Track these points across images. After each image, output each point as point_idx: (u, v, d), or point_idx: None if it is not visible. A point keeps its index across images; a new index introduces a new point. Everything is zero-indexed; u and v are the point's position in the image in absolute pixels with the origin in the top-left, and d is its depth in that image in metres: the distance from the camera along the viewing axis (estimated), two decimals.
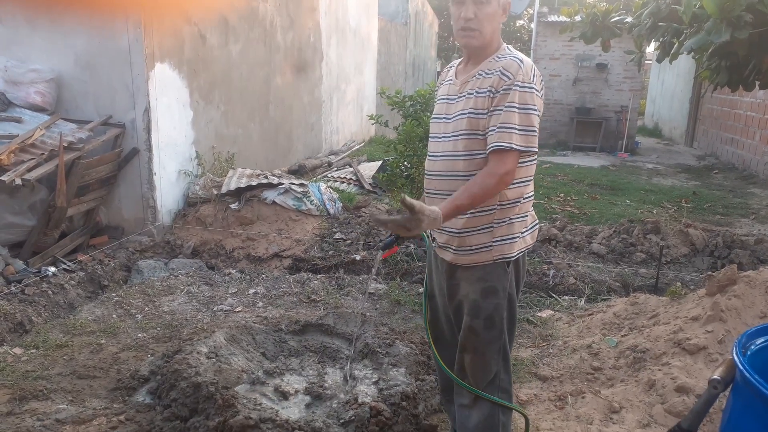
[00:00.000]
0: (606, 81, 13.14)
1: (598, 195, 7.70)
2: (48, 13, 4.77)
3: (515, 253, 2.08)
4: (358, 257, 4.86)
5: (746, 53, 3.37)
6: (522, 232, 2.10)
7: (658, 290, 4.25)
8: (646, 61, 15.76)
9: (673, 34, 4.21)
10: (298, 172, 7.44)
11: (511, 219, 2.06)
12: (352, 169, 7.90)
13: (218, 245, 5.12)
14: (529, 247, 2.18)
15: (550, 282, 4.43)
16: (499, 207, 2.02)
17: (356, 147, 10.22)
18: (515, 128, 1.89)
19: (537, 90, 1.96)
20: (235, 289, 4.31)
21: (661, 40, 4.44)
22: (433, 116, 2.22)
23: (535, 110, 1.94)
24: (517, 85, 1.91)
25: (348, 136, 10.56)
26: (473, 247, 2.06)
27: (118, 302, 4.05)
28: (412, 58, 16.21)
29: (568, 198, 7.35)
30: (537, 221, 2.23)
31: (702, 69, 4.20)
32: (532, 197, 2.16)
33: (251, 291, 4.28)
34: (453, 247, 2.10)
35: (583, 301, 4.12)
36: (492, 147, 1.91)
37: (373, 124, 6.75)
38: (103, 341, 3.46)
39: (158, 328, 3.69)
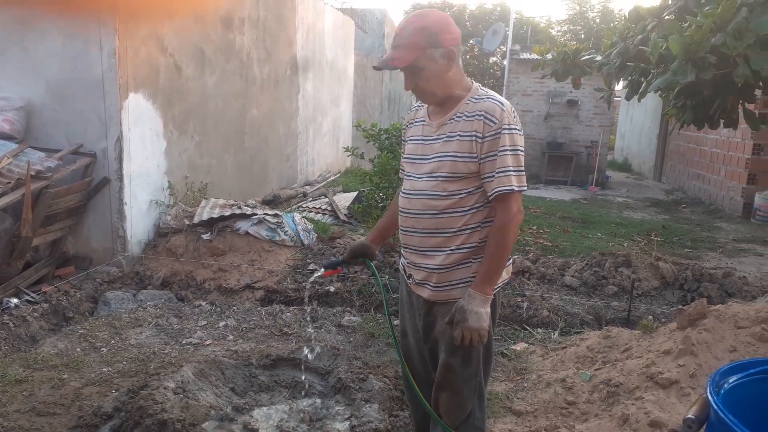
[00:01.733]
0: (577, 117, 13.46)
1: (570, 228, 7.80)
2: (20, 42, 4.72)
3: (496, 288, 2.08)
4: (332, 289, 4.81)
5: (711, 93, 3.48)
6: None
7: (630, 323, 4.28)
8: (615, 98, 16.22)
9: (640, 73, 4.34)
10: (272, 202, 7.39)
11: None
12: (327, 199, 7.88)
13: (189, 276, 5.02)
14: (505, 281, 2.19)
15: (524, 314, 4.44)
16: (478, 243, 2.04)
17: (332, 178, 10.23)
18: (511, 170, 1.95)
19: (518, 130, 2.00)
20: (205, 322, 4.22)
21: (629, 78, 4.57)
22: (406, 156, 2.22)
23: (523, 150, 2.00)
24: (505, 129, 1.94)
25: (324, 167, 10.58)
26: (452, 283, 2.07)
27: (83, 335, 3.93)
28: (388, 92, 16.43)
29: (541, 231, 7.43)
30: (511, 256, 2.24)
31: (669, 107, 4.33)
32: None
33: (221, 323, 4.19)
34: (431, 284, 2.10)
35: (556, 334, 4.12)
36: (495, 192, 1.96)
37: (348, 156, 6.78)
38: (65, 376, 3.33)
39: (124, 362, 3.57)
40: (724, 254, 6.75)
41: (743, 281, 5.03)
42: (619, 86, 10.95)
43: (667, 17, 4.27)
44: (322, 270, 2.45)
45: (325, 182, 9.63)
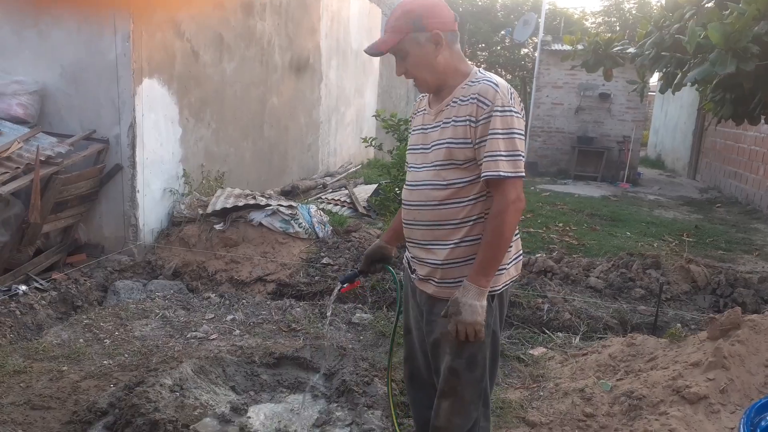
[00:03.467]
0: (609, 111, 13.04)
1: (597, 226, 7.52)
2: (36, 26, 4.66)
3: (500, 287, 1.97)
4: (337, 290, 4.65)
5: (752, 86, 3.22)
6: (507, 264, 1.98)
7: (657, 329, 4.04)
8: (650, 93, 15.70)
9: (676, 64, 4.08)
10: (291, 193, 7.27)
11: None
12: (347, 191, 7.74)
13: (200, 267, 4.94)
14: (514, 279, 2.07)
15: (545, 317, 4.23)
16: (482, 235, 1.91)
17: (353, 169, 10.08)
18: (502, 155, 1.82)
19: (517, 112, 1.86)
20: (212, 315, 4.11)
21: (664, 70, 4.31)
22: (409, 147, 2.13)
23: (519, 133, 1.86)
24: (497, 111, 1.83)
25: (346, 157, 10.44)
26: (457, 279, 1.94)
27: (88, 325, 3.85)
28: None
29: (567, 228, 7.16)
30: (521, 252, 2.11)
31: (706, 101, 4.07)
32: (517, 231, 2.03)
33: (229, 317, 4.08)
34: (435, 280, 1.99)
35: (578, 339, 3.91)
36: (484, 177, 1.85)
37: (366, 147, 6.61)
38: (65, 368, 3.25)
39: (126, 355, 3.49)
40: (761, 257, 6.40)
41: None
42: (654, 79, 10.55)
43: (706, 5, 4.01)
44: (340, 286, 2.34)
45: (346, 173, 9.48)
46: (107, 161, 4.72)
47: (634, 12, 21.83)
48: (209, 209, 5.14)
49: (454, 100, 1.92)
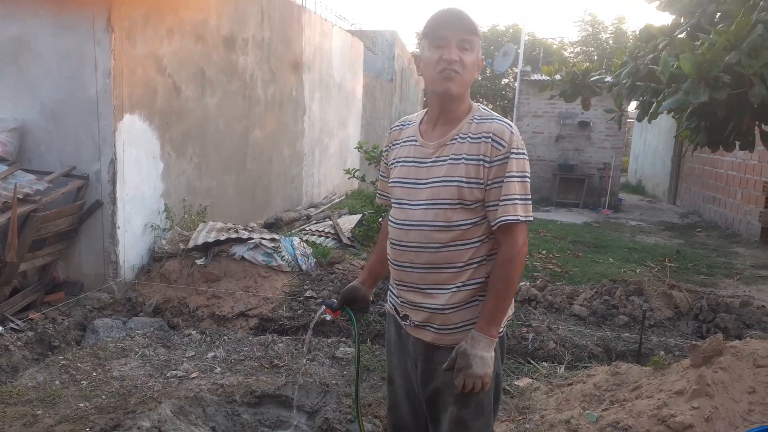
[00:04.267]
0: (588, 138, 13.25)
1: (580, 252, 7.56)
2: (15, 62, 4.66)
3: (502, 328, 1.88)
4: (328, 317, 4.59)
5: (725, 114, 3.29)
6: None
7: (641, 356, 4.04)
8: (629, 119, 15.99)
9: (652, 93, 4.17)
10: (274, 225, 7.25)
11: None
12: (331, 222, 7.73)
13: (182, 303, 4.87)
14: (509, 316, 1.97)
15: (530, 347, 4.21)
16: (485, 278, 1.84)
17: (337, 200, 10.09)
18: (518, 199, 1.79)
19: (526, 155, 1.85)
20: (193, 353, 4.04)
21: (640, 99, 4.40)
22: (395, 180, 1.96)
23: (530, 177, 1.86)
24: (513, 153, 1.79)
25: (330, 188, 10.45)
26: (457, 325, 1.85)
27: (65, 366, 3.76)
28: (398, 113, 16.36)
29: (551, 255, 7.19)
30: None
31: (682, 129, 4.14)
32: None
33: (210, 354, 4.01)
34: (434, 326, 1.87)
35: (563, 368, 3.89)
36: (499, 222, 1.79)
37: (349, 178, 6.63)
38: (39, 412, 3.16)
39: (104, 397, 3.39)
40: (742, 281, 6.46)
41: (762, 311, 4.77)
42: (631, 107, 10.76)
43: (678, 35, 4.11)
44: (323, 308, 2.23)
45: (330, 204, 9.49)
46: (87, 197, 4.67)
47: (611, 42, 22.37)
48: (191, 244, 5.09)
49: (462, 135, 1.84)
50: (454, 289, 1.84)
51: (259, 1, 6.92)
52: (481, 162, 1.78)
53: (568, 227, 9.81)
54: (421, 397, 1.98)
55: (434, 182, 1.83)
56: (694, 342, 3.16)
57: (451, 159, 1.81)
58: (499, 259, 1.80)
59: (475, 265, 1.84)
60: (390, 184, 2.00)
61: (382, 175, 2.12)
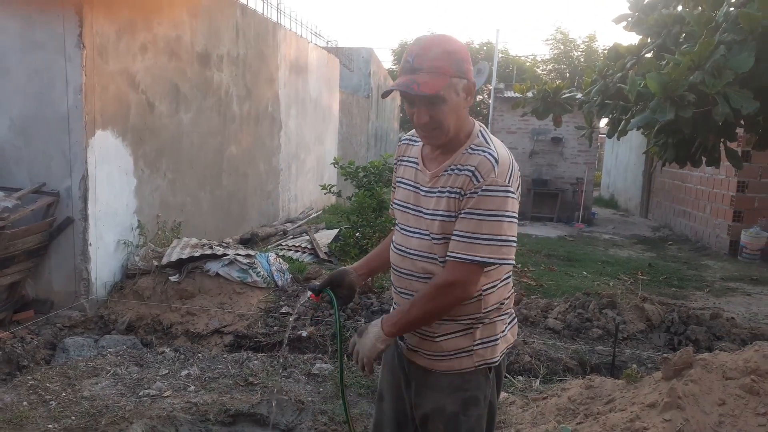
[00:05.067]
0: (561, 154, 13.46)
1: (555, 266, 7.64)
2: None
3: (498, 357, 1.82)
4: (304, 333, 4.59)
5: (691, 131, 3.38)
6: (503, 332, 1.86)
7: (615, 368, 4.09)
8: (600, 135, 16.31)
9: (621, 111, 4.27)
10: (250, 240, 7.20)
11: (493, 319, 1.81)
12: (308, 237, 7.70)
13: (155, 320, 4.80)
14: (510, 345, 1.93)
15: (505, 360, 4.22)
16: (483, 312, 1.79)
17: (314, 215, 10.07)
18: (477, 238, 1.65)
19: (512, 192, 1.68)
20: (167, 371, 3.97)
21: (610, 116, 4.50)
22: (397, 202, 1.91)
23: (508, 216, 1.67)
24: (485, 190, 1.65)
25: (307, 203, 10.44)
26: (450, 353, 1.79)
27: (33, 386, 3.66)
28: (375, 129, 16.44)
29: (525, 269, 7.26)
30: (515, 315, 2.00)
31: (651, 145, 4.24)
32: (513, 292, 1.93)
33: (184, 372, 3.94)
34: (426, 352, 1.83)
35: (538, 382, 3.91)
36: (447, 257, 1.70)
37: (325, 194, 6.64)
38: None
39: (73, 418, 3.31)
40: (712, 294, 6.60)
41: (732, 323, 4.87)
42: (602, 124, 10.99)
43: (645, 55, 4.23)
44: (309, 293, 2.05)
45: (307, 219, 9.47)
46: (57, 214, 4.60)
47: (582, 60, 22.85)
48: (164, 261, 5.03)
49: (453, 166, 1.73)
50: (446, 320, 1.78)
51: (234, 18, 6.93)
52: (458, 195, 1.70)
53: (542, 241, 9.93)
54: (413, 418, 1.92)
55: (426, 213, 1.79)
56: (665, 355, 3.21)
57: (439, 192, 1.75)
58: (433, 280, 1.73)
59: (469, 303, 1.76)
60: (393, 205, 1.96)
61: (393, 187, 2.06)
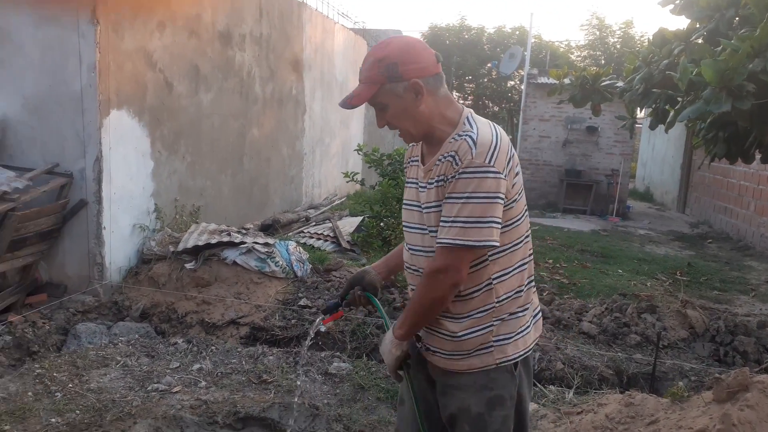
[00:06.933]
0: (596, 144, 12.99)
1: (588, 263, 7.30)
2: None
3: (521, 352, 1.78)
4: (323, 328, 4.37)
5: (747, 124, 3.05)
6: (525, 326, 1.80)
7: (655, 380, 3.79)
8: (637, 125, 15.72)
9: (666, 101, 3.93)
10: (271, 227, 7.00)
11: (512, 313, 1.77)
12: (331, 224, 7.47)
13: (170, 308, 4.64)
14: (536, 340, 1.88)
15: (536, 366, 3.95)
16: (497, 303, 1.75)
17: (338, 201, 9.84)
18: (458, 221, 1.63)
19: (493, 171, 1.62)
20: (178, 364, 3.79)
21: (654, 106, 4.16)
22: (404, 201, 1.94)
23: (487, 196, 1.61)
24: (464, 173, 1.62)
25: (331, 189, 10.21)
26: (470, 351, 1.75)
27: (40, 375, 3.52)
28: None
29: (557, 265, 6.93)
30: (539, 309, 1.93)
31: (698, 138, 3.90)
32: (533, 284, 1.86)
33: (195, 366, 3.76)
34: (445, 352, 1.78)
35: (571, 393, 3.63)
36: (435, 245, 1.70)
37: (348, 182, 6.40)
38: (7, 427, 2.93)
39: (77, 412, 3.16)
40: (757, 298, 6.19)
41: None
42: (641, 114, 10.51)
43: (695, 41, 3.87)
44: (322, 318, 2.07)
45: (330, 206, 9.24)
46: (71, 196, 4.44)
47: (618, 47, 22.07)
48: (180, 246, 4.86)
49: (441, 157, 1.71)
50: (463, 318, 1.75)
51: None
52: (443, 183, 1.69)
53: (575, 235, 9.54)
54: (441, 419, 1.88)
55: (423, 208, 1.79)
56: (716, 376, 2.90)
57: (428, 183, 1.76)
58: (423, 271, 1.75)
59: (479, 293, 1.74)
60: (403, 206, 1.97)
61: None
